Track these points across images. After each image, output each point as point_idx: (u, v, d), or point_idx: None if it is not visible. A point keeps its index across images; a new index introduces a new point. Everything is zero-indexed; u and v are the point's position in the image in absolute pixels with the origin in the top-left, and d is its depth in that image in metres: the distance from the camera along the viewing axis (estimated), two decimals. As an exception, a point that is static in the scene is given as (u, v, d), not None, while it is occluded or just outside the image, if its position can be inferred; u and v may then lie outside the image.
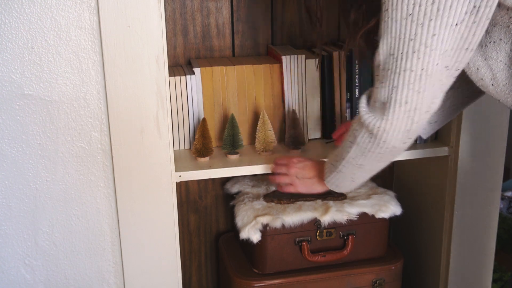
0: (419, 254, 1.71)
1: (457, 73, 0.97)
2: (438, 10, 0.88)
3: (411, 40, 0.92)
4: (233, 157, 1.43)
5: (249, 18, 1.62)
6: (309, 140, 1.56)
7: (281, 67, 1.49)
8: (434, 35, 0.91)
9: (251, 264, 1.54)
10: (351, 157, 1.13)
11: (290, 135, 1.46)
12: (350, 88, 1.53)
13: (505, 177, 1.60)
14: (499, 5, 0.91)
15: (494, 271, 1.83)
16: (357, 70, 1.51)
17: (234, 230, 1.58)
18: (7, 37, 1.17)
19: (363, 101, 1.06)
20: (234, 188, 1.64)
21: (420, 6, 0.89)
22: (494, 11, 0.90)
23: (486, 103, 1.42)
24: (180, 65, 1.60)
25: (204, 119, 1.41)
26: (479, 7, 0.89)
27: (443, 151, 1.49)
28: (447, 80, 0.97)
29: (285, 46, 1.62)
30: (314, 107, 1.54)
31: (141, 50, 1.20)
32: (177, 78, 1.44)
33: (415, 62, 0.94)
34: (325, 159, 1.28)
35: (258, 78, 1.49)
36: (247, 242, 1.45)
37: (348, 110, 1.54)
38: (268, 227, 1.45)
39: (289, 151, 1.46)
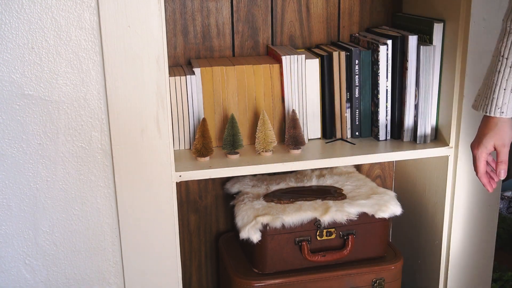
0: (419, 254, 1.71)
1: None
2: None
3: None
4: (233, 157, 1.43)
5: (249, 18, 1.62)
6: (309, 140, 1.56)
7: (281, 67, 1.49)
8: None
9: (251, 264, 1.54)
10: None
11: (290, 135, 1.46)
12: (350, 88, 1.53)
13: (505, 177, 1.60)
14: None
15: (494, 271, 1.83)
16: (357, 70, 1.52)
17: (234, 230, 1.58)
18: (8, 37, 1.17)
19: None
20: (234, 188, 1.64)
21: None
22: None
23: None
24: (180, 65, 1.60)
25: (204, 119, 1.41)
26: None
27: (443, 151, 1.49)
28: None
29: (285, 46, 1.62)
30: (314, 107, 1.54)
31: (141, 50, 1.20)
32: (177, 78, 1.44)
33: None
34: None
35: (258, 78, 1.49)
36: (247, 242, 1.46)
37: (348, 110, 1.55)
38: (268, 227, 1.45)
39: (289, 151, 1.46)
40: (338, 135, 1.57)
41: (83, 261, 1.35)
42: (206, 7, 1.58)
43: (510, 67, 1.06)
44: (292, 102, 1.50)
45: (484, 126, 1.17)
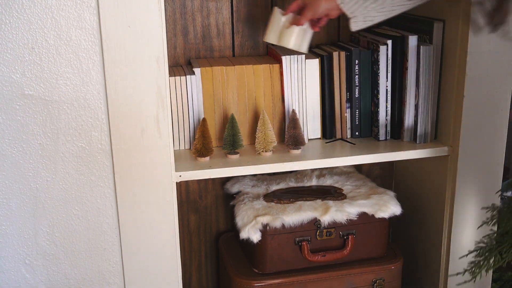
0: (419, 254, 1.71)
1: None
2: None
3: None
4: (233, 157, 1.43)
5: (249, 18, 1.62)
6: (309, 140, 1.56)
7: (281, 67, 1.49)
8: None
9: (251, 264, 1.54)
10: None
11: (290, 135, 1.46)
12: (350, 88, 1.53)
13: (505, 177, 1.60)
14: None
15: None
16: (357, 70, 1.52)
17: (234, 230, 1.58)
18: (8, 37, 1.17)
19: None
20: (234, 188, 1.64)
21: None
22: None
23: (486, 102, 1.42)
24: (180, 65, 1.60)
25: (204, 119, 1.41)
26: None
27: (443, 151, 1.49)
28: None
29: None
30: (314, 107, 1.54)
31: (141, 50, 1.20)
32: (177, 78, 1.44)
33: None
34: None
35: (258, 78, 1.49)
36: (247, 242, 1.46)
37: (348, 110, 1.55)
38: (268, 227, 1.45)
39: (289, 151, 1.46)
40: (338, 135, 1.57)
41: (83, 261, 1.35)
42: (206, 7, 1.58)
43: None
44: (292, 102, 1.50)
45: None
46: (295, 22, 1.33)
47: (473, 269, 1.22)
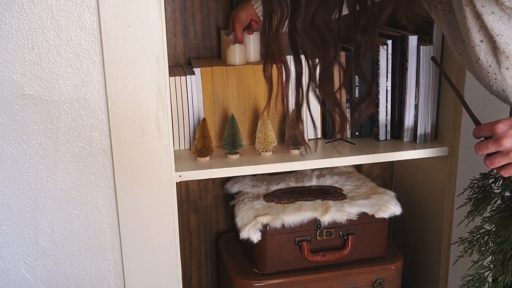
0: (419, 254, 1.71)
1: None
2: None
3: None
4: (233, 157, 1.43)
5: (249, 18, 1.62)
6: (309, 140, 1.56)
7: (281, 67, 1.49)
8: None
9: (251, 264, 1.54)
10: None
11: (290, 135, 1.46)
12: (350, 88, 1.53)
13: (505, 177, 1.60)
14: None
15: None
16: (357, 70, 1.51)
17: (234, 230, 1.58)
18: (8, 37, 1.17)
19: None
20: (234, 188, 1.64)
21: None
22: None
23: (486, 103, 1.42)
24: (180, 65, 1.60)
25: (204, 119, 1.41)
26: None
27: (443, 151, 1.49)
28: None
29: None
30: (314, 107, 1.53)
31: (141, 50, 1.20)
32: (177, 78, 1.44)
33: None
34: None
35: (258, 78, 1.49)
36: (247, 242, 1.46)
37: (348, 110, 1.55)
38: (268, 227, 1.45)
39: (289, 151, 1.46)
40: (338, 135, 1.57)
41: (83, 261, 1.35)
42: (206, 7, 1.58)
43: None
44: (292, 102, 1.50)
45: None
46: (236, 39, 1.47)
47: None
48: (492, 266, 1.15)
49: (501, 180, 1.22)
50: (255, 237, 1.44)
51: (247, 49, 1.50)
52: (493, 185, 1.23)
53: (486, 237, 1.17)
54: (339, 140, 1.55)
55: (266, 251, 1.48)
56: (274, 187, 1.62)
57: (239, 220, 1.49)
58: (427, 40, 1.47)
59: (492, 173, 1.25)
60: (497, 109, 1.44)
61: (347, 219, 1.48)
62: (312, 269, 1.52)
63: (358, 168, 1.80)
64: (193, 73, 1.46)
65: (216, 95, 1.48)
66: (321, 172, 1.69)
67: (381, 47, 1.47)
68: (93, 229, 1.33)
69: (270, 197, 1.55)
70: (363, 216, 1.50)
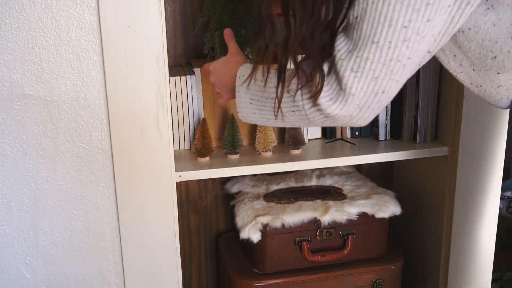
0: (419, 254, 1.71)
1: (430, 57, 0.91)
2: None
3: (404, 27, 0.82)
4: (233, 157, 1.43)
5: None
6: (309, 140, 1.56)
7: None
8: (428, 20, 0.82)
9: (251, 264, 1.54)
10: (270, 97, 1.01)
11: (290, 135, 1.46)
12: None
13: (505, 177, 1.60)
14: None
15: (494, 271, 1.83)
16: (357, 70, 1.51)
17: (234, 230, 1.58)
18: (8, 37, 1.17)
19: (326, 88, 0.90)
20: (234, 188, 1.64)
21: None
22: None
23: (486, 102, 1.42)
24: (180, 65, 1.60)
25: (204, 119, 1.41)
26: None
27: (443, 151, 1.49)
28: (420, 65, 0.90)
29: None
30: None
31: (141, 50, 1.20)
32: (177, 78, 1.44)
33: (404, 51, 0.84)
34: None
35: (258, 78, 1.49)
36: (247, 242, 1.46)
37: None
38: (268, 227, 1.45)
39: (289, 151, 1.46)
40: (338, 135, 1.57)
41: (83, 261, 1.35)
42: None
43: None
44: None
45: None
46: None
47: None
48: None
49: None
50: (255, 237, 1.44)
51: None
52: None
53: None
54: (339, 140, 1.56)
55: (266, 251, 1.48)
56: (274, 187, 1.62)
57: (239, 220, 1.49)
58: (427, 40, 1.47)
59: None
60: (497, 108, 1.44)
61: (347, 219, 1.48)
62: (312, 269, 1.52)
63: (358, 168, 1.80)
64: (193, 73, 1.46)
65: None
66: (321, 172, 1.69)
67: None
68: (93, 229, 1.33)
69: (270, 197, 1.55)
70: (363, 216, 1.50)
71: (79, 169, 1.28)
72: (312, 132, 1.56)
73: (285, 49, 0.93)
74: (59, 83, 1.22)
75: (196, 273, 1.82)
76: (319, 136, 1.57)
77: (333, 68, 0.89)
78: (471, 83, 0.97)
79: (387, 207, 1.51)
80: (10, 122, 1.22)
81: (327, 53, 0.91)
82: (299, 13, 0.89)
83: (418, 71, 1.46)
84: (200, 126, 1.41)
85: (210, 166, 1.38)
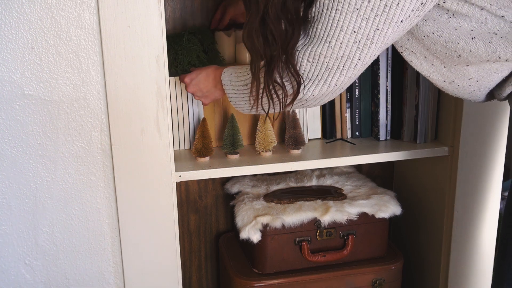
0: (419, 254, 1.71)
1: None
2: (385, 6, 0.90)
3: (354, 32, 0.94)
4: (233, 157, 1.43)
5: (249, 18, 1.62)
6: (309, 140, 1.56)
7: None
8: (377, 29, 0.93)
9: (251, 264, 1.54)
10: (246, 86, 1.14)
11: (290, 135, 1.46)
12: (350, 88, 1.53)
13: (505, 177, 1.60)
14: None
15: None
16: (357, 70, 1.51)
17: (234, 230, 1.58)
18: (7, 37, 1.17)
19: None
20: (234, 188, 1.64)
21: (368, 2, 0.90)
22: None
23: (486, 102, 1.42)
24: (180, 65, 1.60)
25: (204, 119, 1.41)
26: (425, 3, 0.92)
27: (443, 151, 1.49)
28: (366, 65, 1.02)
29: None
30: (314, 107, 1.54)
31: (141, 50, 1.20)
32: (177, 78, 1.44)
33: (354, 50, 0.96)
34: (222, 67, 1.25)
35: (258, 78, 1.49)
36: (247, 242, 1.46)
37: (348, 110, 1.55)
38: (268, 227, 1.45)
39: (289, 151, 1.46)
40: (338, 135, 1.57)
41: (83, 261, 1.35)
42: (206, 7, 1.58)
43: None
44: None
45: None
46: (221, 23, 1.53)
47: None
48: None
49: None
50: (255, 237, 1.43)
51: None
52: None
53: None
54: (339, 140, 1.55)
55: (266, 251, 1.48)
56: (274, 187, 1.62)
57: (239, 220, 1.49)
58: (427, 40, 1.47)
59: None
60: (497, 108, 1.44)
61: (347, 219, 1.48)
62: (312, 269, 1.52)
63: (358, 168, 1.80)
64: (193, 73, 1.46)
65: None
66: (321, 172, 1.69)
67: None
68: (93, 229, 1.33)
69: (270, 197, 1.55)
70: (363, 216, 1.50)
71: (79, 169, 1.28)
72: (312, 132, 1.56)
73: (269, 69, 1.04)
74: (58, 83, 1.22)
75: (196, 273, 1.82)
76: (319, 136, 1.57)
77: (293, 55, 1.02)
78: (444, 81, 1.06)
79: (387, 207, 1.51)
80: (9, 122, 1.22)
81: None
82: (279, 37, 1.00)
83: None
84: (200, 126, 1.40)
85: (210, 166, 1.38)
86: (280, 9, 0.98)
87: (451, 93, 1.09)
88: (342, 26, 0.94)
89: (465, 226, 1.53)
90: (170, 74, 1.38)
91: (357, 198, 1.55)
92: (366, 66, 1.01)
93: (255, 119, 1.50)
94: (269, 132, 1.43)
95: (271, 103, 1.08)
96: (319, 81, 1.02)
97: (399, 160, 1.66)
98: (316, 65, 1.00)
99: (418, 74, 1.47)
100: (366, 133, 1.57)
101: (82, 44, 1.20)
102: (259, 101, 1.09)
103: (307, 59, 1.00)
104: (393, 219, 1.55)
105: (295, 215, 1.46)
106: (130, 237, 1.33)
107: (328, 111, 1.54)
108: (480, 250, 1.56)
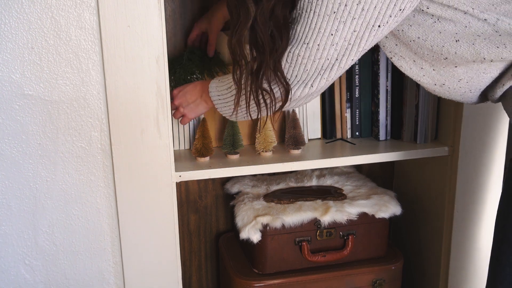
0: (419, 254, 1.71)
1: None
2: (362, 10, 0.92)
3: (331, 35, 0.95)
4: (233, 157, 1.43)
5: (249, 18, 1.61)
6: (309, 140, 1.56)
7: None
8: (355, 31, 0.94)
9: (251, 264, 1.54)
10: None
11: (290, 135, 1.46)
12: (350, 88, 1.53)
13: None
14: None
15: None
16: (357, 70, 1.51)
17: (234, 230, 1.58)
18: (7, 37, 1.17)
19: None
20: (234, 188, 1.64)
21: (345, 5, 0.91)
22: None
23: (486, 103, 1.42)
24: (180, 65, 1.60)
25: (204, 119, 1.41)
26: (404, 9, 0.92)
27: (443, 151, 1.49)
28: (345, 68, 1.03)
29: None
30: (314, 107, 1.54)
31: (141, 50, 1.20)
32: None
33: (332, 52, 0.97)
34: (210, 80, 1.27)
35: (258, 78, 1.49)
36: (247, 242, 1.46)
37: (348, 110, 1.55)
38: (268, 227, 1.45)
39: (289, 151, 1.46)
40: (338, 135, 1.57)
41: (83, 261, 1.35)
42: (206, 7, 1.58)
43: None
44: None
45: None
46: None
47: None
48: None
49: None
50: (255, 237, 1.43)
51: None
52: None
53: None
54: (339, 140, 1.55)
55: (266, 251, 1.48)
56: (274, 187, 1.62)
57: (239, 220, 1.49)
58: (427, 40, 1.47)
59: None
60: (497, 108, 1.44)
61: (347, 219, 1.48)
62: (312, 269, 1.52)
63: (358, 168, 1.80)
64: (193, 73, 1.46)
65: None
66: (321, 172, 1.69)
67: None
68: (93, 229, 1.33)
69: (270, 197, 1.55)
70: (363, 216, 1.50)
71: (78, 169, 1.28)
72: (312, 132, 1.56)
73: (257, 76, 1.05)
74: (58, 83, 1.22)
75: (196, 273, 1.82)
76: (319, 136, 1.57)
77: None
78: (435, 84, 1.07)
79: (387, 207, 1.51)
80: (9, 122, 1.22)
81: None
82: (268, 45, 1.01)
83: (418, 71, 1.46)
84: (200, 126, 1.40)
85: (210, 166, 1.38)
86: (269, 17, 0.99)
87: (443, 96, 1.10)
88: (320, 28, 0.95)
89: (465, 226, 1.53)
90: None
91: (357, 198, 1.54)
92: (345, 69, 1.02)
93: (255, 119, 1.50)
94: (269, 132, 1.43)
95: (258, 110, 1.09)
96: (297, 82, 1.03)
97: (399, 160, 1.66)
98: (294, 66, 1.01)
99: (418, 74, 1.47)
100: (366, 133, 1.57)
101: (82, 44, 1.20)
102: (248, 107, 1.10)
103: (286, 60, 1.02)
104: (393, 219, 1.55)
105: (295, 215, 1.46)
106: (130, 237, 1.33)
107: (328, 111, 1.54)
108: (480, 250, 1.56)
